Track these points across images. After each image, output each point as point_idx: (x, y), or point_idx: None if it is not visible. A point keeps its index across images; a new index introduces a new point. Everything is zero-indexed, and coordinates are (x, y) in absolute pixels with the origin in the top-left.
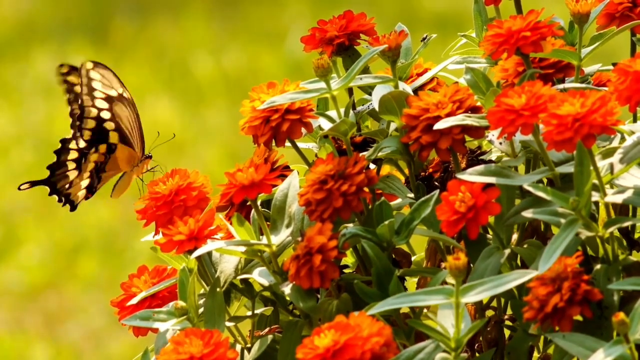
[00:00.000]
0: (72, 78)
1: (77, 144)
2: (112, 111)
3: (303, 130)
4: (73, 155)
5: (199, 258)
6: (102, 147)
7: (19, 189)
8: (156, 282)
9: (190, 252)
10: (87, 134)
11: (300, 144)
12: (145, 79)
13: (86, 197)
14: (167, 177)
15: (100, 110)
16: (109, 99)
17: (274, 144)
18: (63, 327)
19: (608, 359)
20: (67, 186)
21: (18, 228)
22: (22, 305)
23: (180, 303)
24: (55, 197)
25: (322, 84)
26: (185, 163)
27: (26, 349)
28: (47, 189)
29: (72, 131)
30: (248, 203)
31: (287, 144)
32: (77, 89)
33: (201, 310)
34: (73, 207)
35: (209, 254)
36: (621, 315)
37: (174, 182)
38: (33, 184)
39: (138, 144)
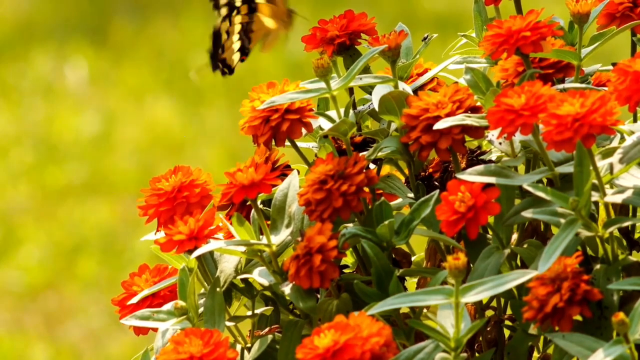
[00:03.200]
0: None
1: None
2: None
3: (303, 130)
4: (225, 26)
5: (199, 258)
6: (244, 8)
7: (191, 77)
8: (157, 281)
9: (191, 251)
10: (224, 10)
11: (300, 144)
12: (145, 79)
13: (241, 60)
14: (169, 174)
15: None
16: None
17: (274, 143)
18: (63, 327)
19: (608, 359)
20: (220, 51)
21: (18, 228)
22: (22, 305)
23: (180, 303)
24: (218, 71)
25: (322, 84)
26: (185, 163)
27: (26, 349)
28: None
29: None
30: (248, 203)
31: (287, 143)
32: None
33: (201, 309)
34: (231, 71)
35: (209, 253)
36: (621, 315)
37: (177, 179)
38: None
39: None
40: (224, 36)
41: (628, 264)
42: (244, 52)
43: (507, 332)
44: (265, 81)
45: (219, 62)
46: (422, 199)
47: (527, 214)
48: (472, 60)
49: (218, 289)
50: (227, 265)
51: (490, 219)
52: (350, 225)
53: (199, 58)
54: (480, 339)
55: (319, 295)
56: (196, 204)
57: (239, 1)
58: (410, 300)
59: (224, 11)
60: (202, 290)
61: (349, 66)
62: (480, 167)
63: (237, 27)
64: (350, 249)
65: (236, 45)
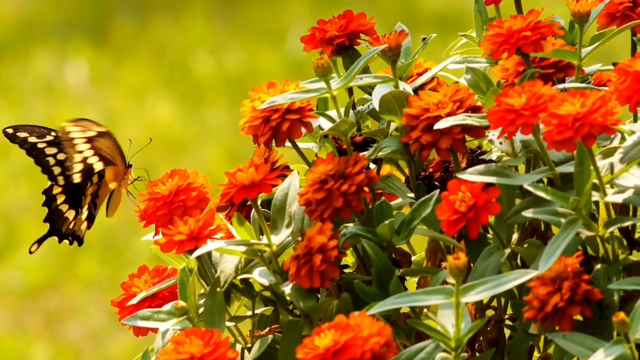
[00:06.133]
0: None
1: (62, 184)
2: (93, 148)
3: (303, 130)
4: (61, 198)
5: (199, 258)
6: (95, 178)
7: (30, 252)
8: (156, 282)
9: (191, 252)
10: (77, 178)
11: (300, 144)
12: (146, 78)
13: (88, 227)
14: (166, 178)
15: (82, 152)
16: (88, 140)
17: (274, 143)
18: (63, 326)
19: (608, 359)
20: (71, 226)
21: (18, 228)
22: (22, 305)
23: (181, 303)
24: (66, 242)
25: (322, 84)
26: (185, 163)
27: (26, 349)
28: (56, 238)
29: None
30: (248, 203)
31: (287, 143)
32: (48, 150)
33: (201, 310)
34: (80, 242)
35: (209, 253)
36: (621, 315)
37: (174, 183)
38: (40, 241)
39: (120, 161)
40: (70, 213)
41: (628, 263)
42: (91, 219)
43: (507, 332)
44: (265, 81)
45: (69, 235)
46: (423, 198)
47: (528, 213)
48: (472, 60)
49: (218, 289)
50: (227, 266)
51: (491, 219)
52: (351, 225)
53: (199, 58)
54: (481, 338)
55: (319, 295)
56: (193, 207)
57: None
58: (410, 300)
59: (62, 181)
60: (202, 291)
61: (349, 66)
62: (481, 167)
63: (89, 198)
64: (351, 249)
65: (84, 214)
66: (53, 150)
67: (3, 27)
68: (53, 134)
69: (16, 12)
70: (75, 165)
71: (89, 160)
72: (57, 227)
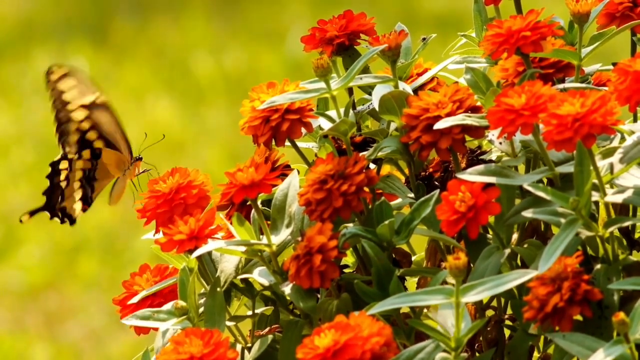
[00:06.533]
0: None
1: (64, 158)
2: (91, 119)
3: (303, 130)
4: (64, 174)
5: (199, 257)
6: (86, 153)
7: (20, 221)
8: (158, 280)
9: (191, 251)
10: (73, 149)
11: (300, 144)
12: (145, 78)
13: (83, 209)
14: (167, 176)
15: (79, 122)
16: (85, 107)
17: (274, 143)
18: (63, 327)
19: (608, 359)
20: (59, 199)
21: (18, 228)
22: (22, 305)
23: (181, 302)
24: (57, 219)
25: (322, 84)
26: (185, 163)
27: (26, 349)
28: (47, 214)
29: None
30: (248, 203)
31: (287, 143)
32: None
33: (201, 309)
34: (72, 221)
35: (210, 253)
36: (621, 315)
37: (174, 181)
38: (32, 213)
39: (124, 147)
40: (64, 183)
41: (628, 263)
42: (87, 201)
43: (507, 332)
44: (265, 81)
45: (59, 210)
46: (422, 198)
47: (528, 213)
48: (472, 60)
49: (218, 289)
50: (228, 265)
51: (491, 219)
52: (351, 225)
53: (199, 58)
54: (481, 338)
55: (319, 295)
56: (194, 206)
57: (76, 147)
58: (410, 300)
59: (70, 149)
60: (202, 290)
61: (348, 66)
62: (481, 167)
63: (78, 174)
64: (351, 249)
65: (78, 193)
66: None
67: (3, 27)
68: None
69: (16, 12)
70: (70, 136)
71: (87, 135)
72: (52, 202)
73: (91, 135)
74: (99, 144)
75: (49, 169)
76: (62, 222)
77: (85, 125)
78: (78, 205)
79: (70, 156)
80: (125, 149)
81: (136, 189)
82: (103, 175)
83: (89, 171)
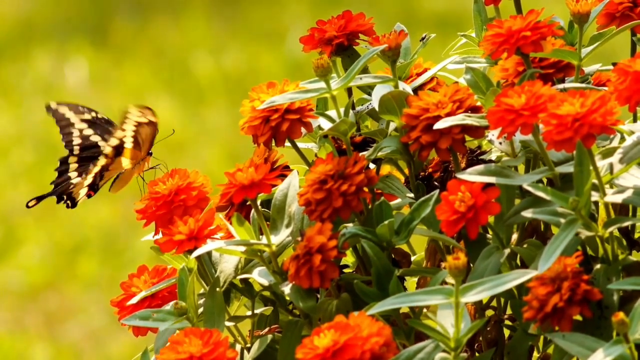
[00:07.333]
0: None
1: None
2: (136, 132)
3: (303, 130)
4: (73, 167)
5: (198, 258)
6: (111, 152)
7: (27, 206)
8: (156, 282)
9: (190, 251)
10: (109, 150)
11: (300, 144)
12: (145, 78)
13: (88, 195)
14: (166, 177)
15: (125, 130)
16: (138, 124)
17: (273, 143)
18: (63, 327)
19: (608, 359)
20: (70, 187)
21: (18, 228)
22: (22, 305)
23: (180, 303)
24: (62, 203)
25: (322, 84)
26: (185, 163)
27: (26, 349)
28: (55, 198)
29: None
30: (248, 203)
31: (287, 143)
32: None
33: (201, 310)
34: (74, 204)
35: (209, 253)
36: (621, 315)
37: (174, 182)
38: (40, 199)
39: (146, 148)
40: (74, 174)
41: (628, 263)
42: (94, 188)
43: (507, 332)
44: (265, 81)
45: (65, 194)
46: (422, 198)
47: (527, 213)
48: (472, 60)
49: (218, 289)
50: (227, 266)
51: (490, 219)
52: (350, 225)
53: (199, 58)
54: (480, 338)
55: (318, 295)
56: (193, 207)
57: (108, 148)
58: (410, 300)
59: (78, 151)
60: (202, 291)
61: (347, 66)
62: (481, 167)
63: (97, 169)
64: (350, 249)
65: (88, 180)
66: (84, 126)
67: (3, 27)
68: (93, 114)
69: (16, 12)
70: (112, 140)
71: (125, 139)
72: (60, 190)
73: (128, 140)
74: (128, 146)
75: (49, 169)
76: (65, 202)
77: (129, 133)
78: (84, 191)
79: (105, 152)
80: (145, 148)
81: (143, 184)
82: (115, 166)
83: (106, 165)
